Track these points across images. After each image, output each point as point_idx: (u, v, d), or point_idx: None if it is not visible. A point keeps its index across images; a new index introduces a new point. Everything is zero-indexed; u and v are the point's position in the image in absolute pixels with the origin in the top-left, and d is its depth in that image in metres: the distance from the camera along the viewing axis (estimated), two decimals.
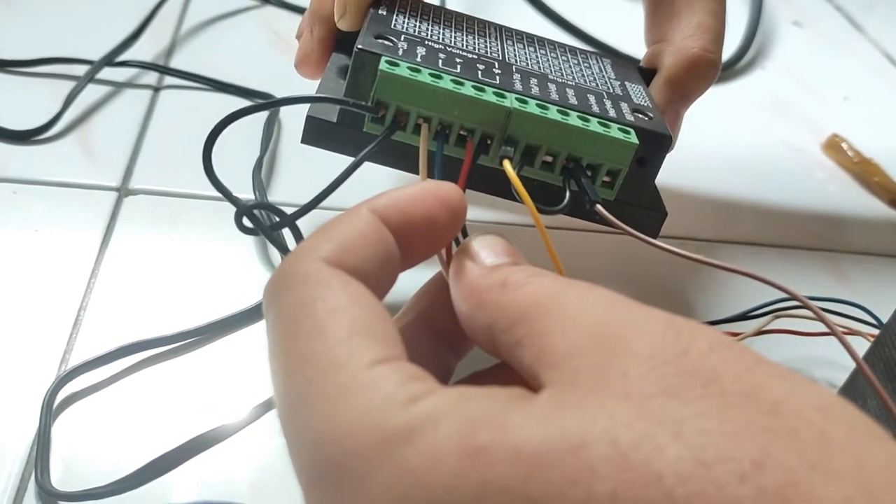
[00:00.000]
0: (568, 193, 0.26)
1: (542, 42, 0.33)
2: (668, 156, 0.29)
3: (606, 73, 0.32)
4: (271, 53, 0.51)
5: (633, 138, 0.26)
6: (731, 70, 0.58)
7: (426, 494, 0.15)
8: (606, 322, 0.17)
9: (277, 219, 0.27)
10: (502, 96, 0.26)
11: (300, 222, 0.28)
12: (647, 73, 0.34)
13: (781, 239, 0.44)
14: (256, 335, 0.33)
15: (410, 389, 0.16)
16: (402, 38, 0.28)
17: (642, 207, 0.29)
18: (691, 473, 0.14)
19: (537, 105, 0.26)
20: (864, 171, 0.50)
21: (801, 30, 0.66)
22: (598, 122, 0.26)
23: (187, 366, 0.32)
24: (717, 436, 0.14)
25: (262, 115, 0.45)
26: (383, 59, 0.26)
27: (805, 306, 0.22)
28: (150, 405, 0.30)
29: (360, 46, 0.27)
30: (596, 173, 0.26)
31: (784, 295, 0.23)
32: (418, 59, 0.27)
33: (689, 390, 0.15)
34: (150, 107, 0.45)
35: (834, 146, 0.51)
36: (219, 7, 0.54)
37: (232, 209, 0.27)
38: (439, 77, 0.25)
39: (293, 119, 0.45)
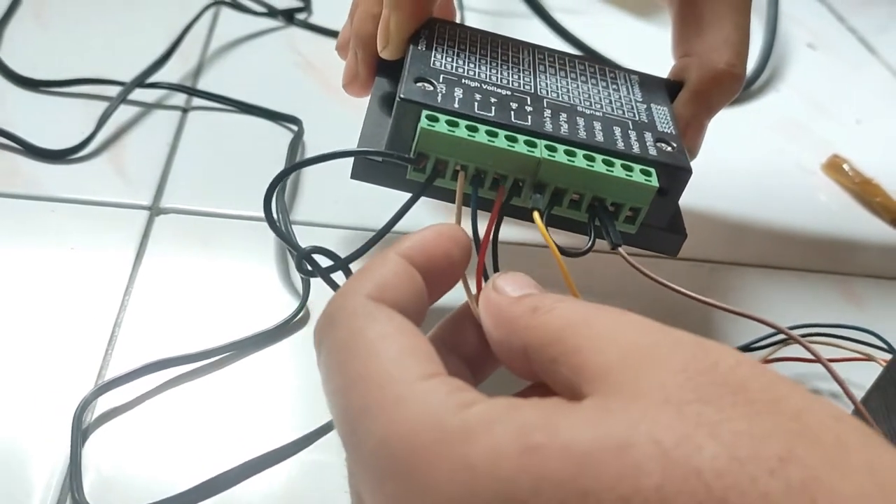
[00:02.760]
0: (592, 235, 0.28)
1: (572, 63, 0.35)
2: None
3: (633, 95, 0.34)
4: (296, 74, 0.53)
5: (654, 181, 0.28)
6: (746, 92, 0.59)
7: (490, 485, 0.16)
8: (640, 342, 0.19)
9: (332, 262, 0.31)
10: (533, 145, 0.28)
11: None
12: (673, 86, 0.35)
13: (794, 261, 0.45)
14: (282, 353, 0.35)
15: (461, 397, 0.18)
16: (441, 79, 0.30)
17: (663, 230, 0.31)
18: (727, 468, 0.15)
19: (565, 152, 0.28)
20: (863, 192, 0.51)
21: (814, 52, 0.67)
22: (622, 165, 0.28)
23: (216, 383, 0.33)
24: (748, 436, 0.16)
25: (288, 136, 0.46)
26: (424, 114, 0.28)
27: (796, 342, 0.24)
28: (182, 423, 0.31)
29: (402, 96, 0.29)
30: (619, 210, 0.28)
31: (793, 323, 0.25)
32: (455, 105, 0.29)
33: (721, 398, 0.17)
34: (180, 127, 0.46)
35: (834, 167, 0.52)
36: (244, 28, 0.56)
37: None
38: (475, 129, 0.28)
39: (317, 137, 0.46)
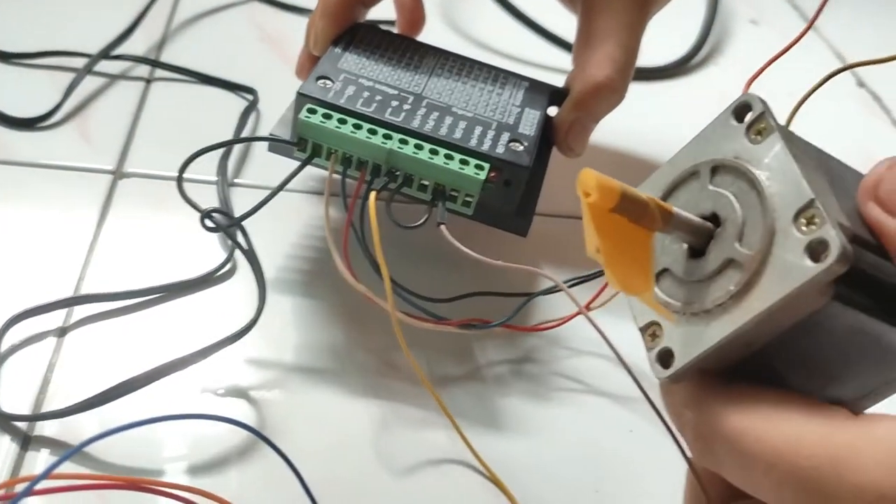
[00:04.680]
0: (428, 214, 0.34)
1: (470, 69, 0.40)
2: (613, 147, 0.34)
3: (514, 99, 0.39)
4: (257, 48, 0.55)
5: (483, 174, 0.34)
6: (685, 66, 0.62)
7: None
8: None
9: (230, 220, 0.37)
10: (389, 137, 0.34)
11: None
12: (564, 93, 0.40)
13: None
14: (206, 299, 0.39)
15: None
16: (341, 78, 0.36)
17: (511, 214, 0.37)
18: None
19: (415, 145, 0.34)
20: None
21: (757, 28, 0.70)
22: (460, 160, 0.34)
23: (140, 321, 0.37)
24: None
25: (241, 105, 0.49)
26: (305, 107, 0.33)
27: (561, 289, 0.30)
28: (104, 348, 0.36)
29: (300, 91, 0.35)
30: (458, 196, 0.34)
31: None
32: (342, 101, 0.34)
33: None
34: (143, 97, 0.49)
35: None
36: (208, 3, 0.59)
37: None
38: (344, 122, 0.33)
39: (273, 106, 0.49)
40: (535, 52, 0.59)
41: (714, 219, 0.23)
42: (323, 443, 0.34)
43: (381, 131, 0.34)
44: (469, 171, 0.34)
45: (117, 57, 0.51)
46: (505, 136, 0.36)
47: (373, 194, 0.33)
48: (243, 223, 0.37)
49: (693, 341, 0.22)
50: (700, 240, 0.23)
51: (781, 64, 0.63)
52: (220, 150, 0.45)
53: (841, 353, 0.22)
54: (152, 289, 0.38)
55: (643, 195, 0.21)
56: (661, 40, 0.62)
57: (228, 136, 0.47)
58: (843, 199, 0.22)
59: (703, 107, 0.58)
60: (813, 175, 0.21)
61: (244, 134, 0.47)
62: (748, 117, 0.23)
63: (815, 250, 0.20)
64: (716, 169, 0.23)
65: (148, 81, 0.51)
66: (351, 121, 0.34)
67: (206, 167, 0.44)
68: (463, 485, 0.33)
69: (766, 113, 0.23)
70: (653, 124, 0.50)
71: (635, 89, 0.61)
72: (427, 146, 0.34)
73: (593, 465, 0.35)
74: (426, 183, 0.34)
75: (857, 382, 0.24)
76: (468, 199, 0.35)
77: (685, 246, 0.23)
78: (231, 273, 0.40)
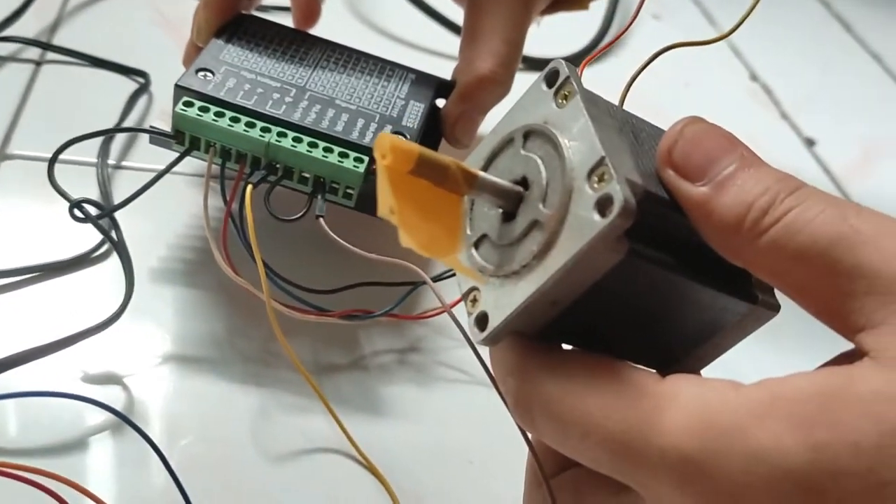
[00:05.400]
0: (307, 207, 0.34)
1: (357, 61, 0.40)
2: None
3: (399, 92, 0.39)
4: (152, 31, 0.55)
5: (362, 167, 0.34)
6: (585, 58, 0.63)
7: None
8: None
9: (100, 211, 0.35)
10: (267, 130, 0.34)
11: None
12: (451, 85, 0.41)
13: None
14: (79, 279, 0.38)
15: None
16: (222, 70, 0.36)
17: None
18: None
19: (294, 138, 0.34)
20: None
21: (659, 22, 0.72)
22: (340, 153, 0.34)
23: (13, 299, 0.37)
24: None
25: (131, 87, 0.49)
26: (182, 100, 0.33)
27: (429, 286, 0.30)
28: None
29: (177, 83, 0.34)
30: (339, 188, 0.34)
31: None
32: (221, 94, 0.34)
33: None
34: (31, 80, 0.48)
35: None
36: None
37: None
38: (222, 115, 0.33)
39: (166, 89, 0.49)
40: (439, 40, 0.59)
41: (525, 183, 0.23)
42: (194, 429, 0.34)
43: (260, 124, 0.34)
44: (349, 163, 0.34)
45: (6, 39, 0.50)
46: (387, 129, 0.37)
47: (249, 188, 0.33)
48: (116, 214, 0.37)
49: (504, 303, 0.22)
50: (511, 204, 0.23)
51: (678, 55, 0.65)
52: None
53: (650, 309, 0.23)
54: (22, 269, 0.37)
55: (445, 159, 0.22)
56: (563, 32, 0.63)
57: (115, 119, 0.46)
58: (646, 159, 0.23)
59: (603, 96, 0.60)
60: (611, 135, 0.22)
61: (133, 117, 0.47)
62: (557, 83, 0.23)
63: (603, 206, 0.20)
64: (528, 134, 0.24)
65: (38, 64, 0.50)
66: (229, 114, 0.34)
67: (90, 149, 0.43)
68: (338, 472, 0.34)
69: (570, 77, 0.23)
70: None
71: (535, 79, 0.60)
72: (306, 139, 0.35)
73: (468, 442, 0.36)
74: (307, 175, 0.35)
75: (677, 339, 0.25)
76: (349, 191, 0.35)
77: (500, 211, 0.24)
78: (107, 255, 0.39)
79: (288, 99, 0.36)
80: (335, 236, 0.33)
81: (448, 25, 0.61)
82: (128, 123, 0.46)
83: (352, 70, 0.39)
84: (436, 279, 0.37)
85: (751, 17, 0.78)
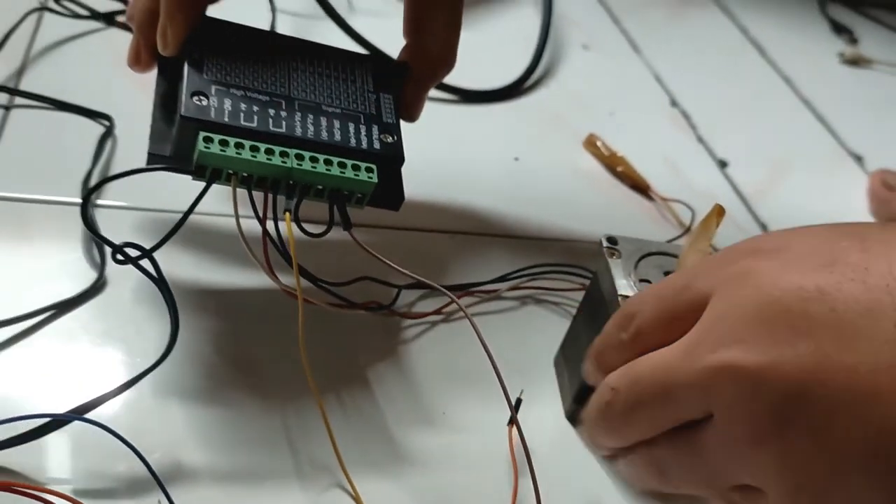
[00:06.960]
0: (330, 222, 0.38)
1: (320, 57, 0.42)
2: (454, 164, 0.49)
3: (367, 85, 0.42)
4: (113, 74, 0.58)
5: (374, 177, 0.38)
6: (517, 89, 0.68)
7: None
8: None
9: (140, 252, 0.37)
10: (286, 155, 0.37)
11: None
12: (401, 65, 0.44)
13: (540, 232, 0.55)
14: (82, 317, 0.42)
15: None
16: (213, 92, 0.37)
17: (388, 193, 0.41)
18: None
19: (310, 158, 0.37)
20: (612, 163, 0.62)
21: (587, 52, 0.77)
22: (352, 166, 0.38)
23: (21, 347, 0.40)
24: None
25: (100, 131, 0.53)
26: (201, 136, 0.35)
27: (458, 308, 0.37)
28: None
29: (182, 114, 0.36)
30: (352, 195, 0.38)
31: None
32: (226, 118, 0.37)
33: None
34: (2, 125, 0.52)
35: (590, 143, 0.64)
36: (68, 30, 0.61)
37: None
38: (242, 146, 0.36)
39: (129, 130, 0.53)
40: None
41: None
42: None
43: (277, 149, 0.36)
44: (362, 175, 0.38)
45: None
46: (375, 130, 0.40)
47: (287, 215, 0.37)
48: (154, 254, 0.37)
49: None
50: None
51: (605, 84, 0.71)
52: (84, 172, 0.49)
53: None
54: (31, 313, 0.40)
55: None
56: (496, 64, 0.68)
57: (86, 161, 0.50)
58: None
59: (535, 128, 0.65)
60: None
61: (102, 159, 0.51)
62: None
63: None
64: None
65: (7, 108, 0.53)
66: (248, 143, 0.36)
67: (58, 189, 0.47)
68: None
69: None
70: (486, 145, 0.56)
71: (470, 111, 0.68)
72: (321, 157, 0.37)
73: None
74: (321, 187, 0.38)
75: None
76: (360, 196, 0.39)
77: None
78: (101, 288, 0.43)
79: (282, 112, 0.38)
80: (368, 249, 0.38)
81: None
82: (99, 165, 0.50)
83: (319, 67, 0.42)
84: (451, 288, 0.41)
85: (671, 44, 0.85)
